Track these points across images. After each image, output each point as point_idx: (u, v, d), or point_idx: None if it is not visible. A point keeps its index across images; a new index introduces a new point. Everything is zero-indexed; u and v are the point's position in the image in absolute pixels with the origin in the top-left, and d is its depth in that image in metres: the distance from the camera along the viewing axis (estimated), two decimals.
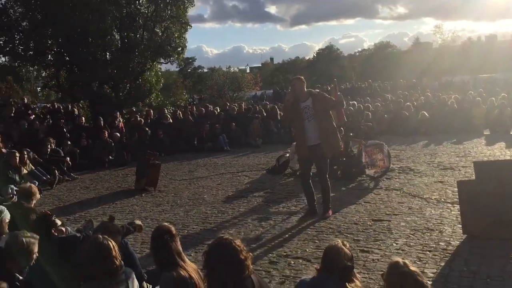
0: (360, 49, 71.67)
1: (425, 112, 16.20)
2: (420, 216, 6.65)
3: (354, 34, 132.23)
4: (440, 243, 5.51)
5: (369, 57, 58.60)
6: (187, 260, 3.57)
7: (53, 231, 4.17)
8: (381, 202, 7.59)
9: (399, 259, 2.70)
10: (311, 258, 5.30)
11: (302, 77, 7.29)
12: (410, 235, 5.85)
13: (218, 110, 18.27)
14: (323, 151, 6.85)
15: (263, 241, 6.04)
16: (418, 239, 5.70)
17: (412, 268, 2.60)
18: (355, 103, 19.07)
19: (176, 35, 21.41)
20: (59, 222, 4.46)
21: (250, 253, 3.10)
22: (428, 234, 5.85)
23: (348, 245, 3.12)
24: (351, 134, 11.06)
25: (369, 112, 16.70)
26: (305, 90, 6.99)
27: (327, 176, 7.05)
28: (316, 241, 5.89)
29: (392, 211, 7.01)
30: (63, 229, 4.56)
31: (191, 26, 22.91)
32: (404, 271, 2.55)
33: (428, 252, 5.25)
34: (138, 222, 5.18)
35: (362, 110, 17.55)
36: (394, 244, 5.57)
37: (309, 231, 6.31)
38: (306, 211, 7.15)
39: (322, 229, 6.35)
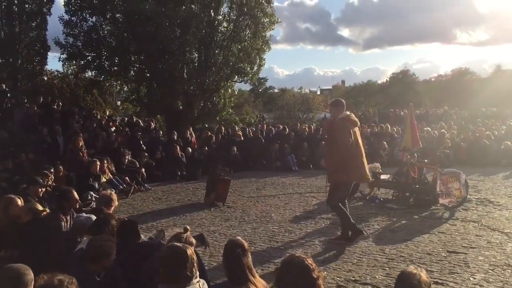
0: (435, 75, 69.13)
1: (508, 142, 15.30)
2: (500, 251, 6.26)
3: (430, 59, 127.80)
4: None
5: (446, 83, 56.30)
6: (257, 276, 3.57)
7: (135, 237, 4.37)
8: (457, 233, 7.23)
9: None
10: (381, 285, 5.14)
11: (337, 100, 7.16)
12: (489, 271, 5.50)
13: (288, 130, 18.33)
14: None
15: (330, 264, 5.94)
16: (498, 275, 5.36)
17: None
18: (429, 129, 18.40)
19: (253, 55, 21.87)
20: None
21: (322, 273, 3.06)
22: (510, 270, 5.49)
23: (425, 271, 2.98)
24: (425, 160, 10.66)
25: (448, 139, 16.07)
26: (338, 113, 6.78)
27: (335, 202, 6.86)
28: (386, 268, 5.70)
29: (469, 243, 6.65)
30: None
31: (270, 48, 23.37)
32: None
33: None
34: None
35: (437, 136, 16.91)
36: (471, 279, 5.26)
37: (378, 258, 6.12)
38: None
39: (393, 257, 6.14)
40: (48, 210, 5.76)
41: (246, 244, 3.60)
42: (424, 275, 2.88)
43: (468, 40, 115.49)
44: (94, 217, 5.26)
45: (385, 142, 16.30)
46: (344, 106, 6.88)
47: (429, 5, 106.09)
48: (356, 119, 6.90)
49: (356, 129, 6.88)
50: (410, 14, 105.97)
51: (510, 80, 46.75)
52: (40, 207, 5.57)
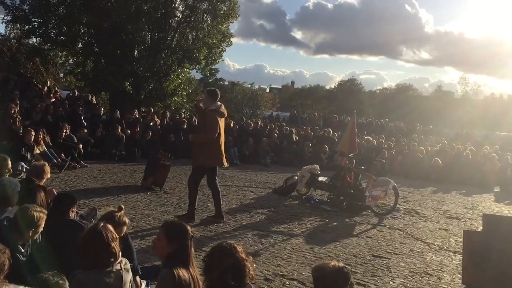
0: (380, 87, 71.73)
1: (438, 159, 16.14)
2: (420, 259, 6.61)
3: (376, 72, 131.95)
4: None
5: (389, 96, 58.63)
6: (194, 263, 3.52)
7: (70, 211, 4.24)
8: (383, 239, 7.55)
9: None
10: (307, 282, 5.28)
11: (213, 90, 7.74)
12: (408, 276, 5.81)
13: (233, 124, 18.35)
14: None
15: (260, 257, 6.03)
16: (416, 281, 5.66)
17: None
18: (370, 138, 19.07)
19: (213, 48, 21.80)
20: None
21: (250, 258, 3.10)
22: (426, 278, 5.81)
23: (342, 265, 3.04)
24: (362, 167, 11.04)
25: (385, 150, 16.73)
26: (210, 104, 7.44)
27: (191, 181, 7.71)
28: (314, 266, 5.86)
29: (393, 250, 6.97)
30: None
31: (232, 43, 23.45)
32: None
33: None
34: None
35: (376, 146, 17.57)
36: (391, 283, 5.53)
37: (307, 255, 6.30)
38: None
39: (321, 256, 6.33)
40: None
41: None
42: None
43: (413, 58, 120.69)
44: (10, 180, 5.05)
45: (326, 146, 16.72)
46: (217, 96, 7.57)
47: (379, 19, 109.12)
48: (225, 111, 7.65)
49: (222, 120, 7.60)
50: (361, 25, 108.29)
51: (448, 101, 49.53)
52: None
